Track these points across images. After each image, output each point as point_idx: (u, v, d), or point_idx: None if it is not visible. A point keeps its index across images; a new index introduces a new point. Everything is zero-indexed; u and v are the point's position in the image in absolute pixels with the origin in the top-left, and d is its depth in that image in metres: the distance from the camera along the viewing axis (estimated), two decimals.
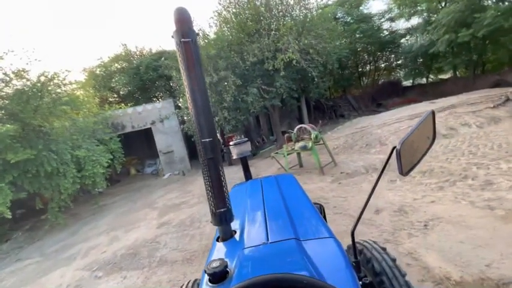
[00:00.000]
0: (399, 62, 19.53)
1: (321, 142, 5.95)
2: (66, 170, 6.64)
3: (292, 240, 1.09)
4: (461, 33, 10.52)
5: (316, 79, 9.33)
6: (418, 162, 0.97)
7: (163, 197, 7.51)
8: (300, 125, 6.36)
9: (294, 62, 8.27)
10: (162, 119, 10.96)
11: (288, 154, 6.37)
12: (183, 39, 1.09)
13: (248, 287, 0.60)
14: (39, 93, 6.13)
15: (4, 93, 5.83)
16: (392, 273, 1.27)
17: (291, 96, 10.11)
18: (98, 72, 13.93)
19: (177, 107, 11.31)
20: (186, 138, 11.89)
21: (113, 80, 13.98)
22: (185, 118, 10.95)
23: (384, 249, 1.44)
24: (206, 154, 1.16)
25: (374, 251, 1.41)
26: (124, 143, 11.28)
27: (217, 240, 1.29)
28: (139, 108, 10.99)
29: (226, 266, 0.89)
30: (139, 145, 15.13)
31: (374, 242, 1.53)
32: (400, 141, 0.85)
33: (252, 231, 1.30)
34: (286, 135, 6.57)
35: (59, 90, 6.64)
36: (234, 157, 2.45)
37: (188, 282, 1.50)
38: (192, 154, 12.76)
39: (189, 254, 3.53)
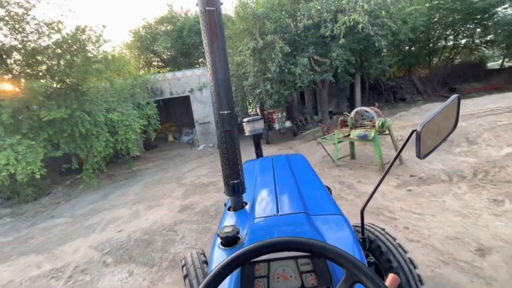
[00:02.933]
0: (488, 37, 15.65)
1: (386, 132, 4.63)
2: (99, 133, 6.42)
3: (302, 214, 1.13)
4: None
5: (384, 50, 7.54)
6: (436, 147, 0.94)
7: (193, 172, 7.03)
8: (360, 108, 5.03)
9: (360, 27, 6.62)
10: (200, 87, 10.31)
11: (338, 142, 5.18)
12: (207, 8, 1.06)
13: (261, 247, 0.59)
14: (73, 48, 5.73)
15: (38, 46, 5.53)
16: (397, 251, 1.35)
17: (346, 71, 8.51)
18: (142, 33, 13.62)
19: None
20: None
21: (156, 42, 13.60)
22: None
23: (383, 229, 1.54)
24: (223, 126, 1.16)
25: (376, 232, 1.48)
26: (163, 109, 11.15)
27: (229, 210, 1.33)
28: (178, 74, 10.44)
29: (238, 232, 0.92)
30: (178, 112, 15.04)
31: (373, 224, 1.61)
32: (422, 123, 0.82)
33: (263, 203, 1.32)
34: (340, 118, 5.32)
35: (93, 48, 6.19)
36: (246, 134, 2.35)
37: (192, 253, 1.50)
38: None
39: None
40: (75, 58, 5.87)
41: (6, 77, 5.39)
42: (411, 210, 3.24)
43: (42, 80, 5.61)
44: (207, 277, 0.54)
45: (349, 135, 4.97)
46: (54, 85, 5.96)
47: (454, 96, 0.95)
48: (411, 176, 4.17)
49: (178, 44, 13.36)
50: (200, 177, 6.26)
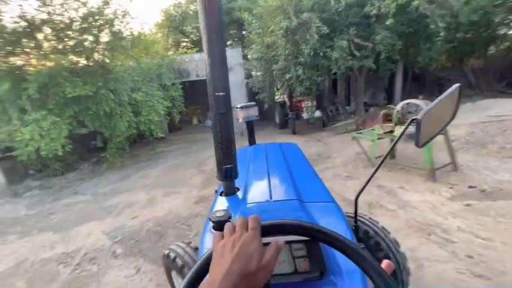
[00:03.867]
0: None
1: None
2: (123, 112, 6.31)
3: (295, 200, 1.13)
4: None
5: (441, 34, 6.47)
6: (435, 136, 0.95)
7: (212, 159, 6.74)
8: (409, 100, 4.28)
9: (414, 4, 5.64)
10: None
11: (378, 138, 4.51)
12: None
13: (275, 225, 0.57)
14: (99, 23, 5.52)
15: (65, 20, 5.38)
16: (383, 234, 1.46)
17: (389, 57, 7.51)
18: (172, 12, 13.34)
19: (245, 58, 9.96)
20: (250, 95, 10.73)
21: (186, 22, 13.27)
22: (252, 73, 9.62)
23: (370, 218, 1.59)
24: (218, 108, 1.12)
25: (364, 220, 1.56)
26: (189, 91, 10.93)
27: (221, 195, 1.30)
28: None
29: (230, 217, 0.87)
30: (204, 95, 14.81)
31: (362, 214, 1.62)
32: (423, 112, 0.81)
33: (255, 189, 1.32)
34: (383, 111, 4.61)
35: (119, 23, 5.94)
36: (240, 121, 2.29)
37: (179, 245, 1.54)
38: None
39: None
40: (101, 34, 5.68)
41: (34, 51, 5.33)
42: (473, 232, 2.60)
43: (71, 56, 5.50)
44: (198, 261, 0.52)
45: (392, 131, 4.27)
46: (82, 61, 5.85)
47: (456, 85, 0.95)
48: (470, 187, 3.44)
49: None
50: None
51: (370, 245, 1.45)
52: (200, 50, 13.07)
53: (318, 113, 8.44)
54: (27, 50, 5.41)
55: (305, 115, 8.44)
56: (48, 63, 5.09)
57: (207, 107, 13.58)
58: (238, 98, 10.10)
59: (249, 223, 0.51)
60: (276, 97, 10.15)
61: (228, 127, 1.16)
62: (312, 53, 6.48)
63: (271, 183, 1.34)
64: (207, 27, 1.04)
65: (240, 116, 2.28)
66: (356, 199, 1.20)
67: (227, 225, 0.53)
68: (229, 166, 1.19)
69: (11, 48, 5.22)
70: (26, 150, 4.85)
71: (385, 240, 1.43)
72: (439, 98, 0.88)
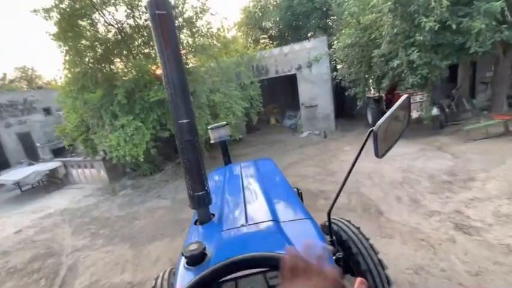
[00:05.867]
0: None
1: None
2: (201, 115, 6.03)
3: (271, 221, 1.13)
4: None
5: None
6: (392, 145, 1.00)
7: (294, 168, 5.78)
8: None
9: None
10: (310, 63, 8.66)
11: None
12: (157, 11, 1.02)
13: (223, 267, 0.58)
14: (179, 20, 5.29)
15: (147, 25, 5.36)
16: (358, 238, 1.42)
17: None
18: (251, 8, 12.99)
19: (330, 47, 8.51)
20: (335, 91, 9.22)
21: (265, 16, 12.69)
22: (338, 66, 8.11)
23: (349, 221, 1.58)
24: (183, 136, 1.13)
25: (341, 224, 1.53)
26: (266, 90, 10.30)
27: (196, 224, 1.29)
28: (285, 49, 9.12)
29: (204, 249, 0.89)
30: (282, 93, 13.99)
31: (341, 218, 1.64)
32: (377, 124, 0.87)
33: (231, 214, 1.31)
34: None
35: (198, 18, 5.61)
36: (212, 141, 2.39)
37: (165, 272, 1.45)
38: (340, 111, 10.08)
39: None
40: (181, 33, 5.47)
41: (124, 58, 5.52)
42: None
43: (156, 59, 5.48)
44: None
45: None
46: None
47: (405, 96, 1.01)
48: None
49: (287, 16, 11.99)
50: (305, 179, 4.91)
51: (349, 254, 1.39)
52: (280, 44, 12.28)
53: (435, 111, 6.26)
54: (120, 58, 5.67)
55: (415, 113, 6.42)
56: (134, 70, 5.15)
57: (286, 105, 12.72)
58: (322, 92, 8.77)
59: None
60: (371, 92, 8.30)
61: (195, 153, 1.14)
62: (435, 27, 4.61)
63: (246, 206, 1.35)
64: (163, 56, 1.04)
65: (212, 137, 2.33)
66: (329, 213, 1.21)
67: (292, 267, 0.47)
68: (201, 193, 1.17)
69: (112, 57, 5.58)
70: (116, 155, 5.01)
71: (361, 249, 1.37)
72: (390, 110, 0.94)
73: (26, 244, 4.49)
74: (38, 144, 11.61)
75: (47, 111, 12.64)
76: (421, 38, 4.84)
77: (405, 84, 5.55)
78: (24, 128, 11.72)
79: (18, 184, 7.39)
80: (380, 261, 1.35)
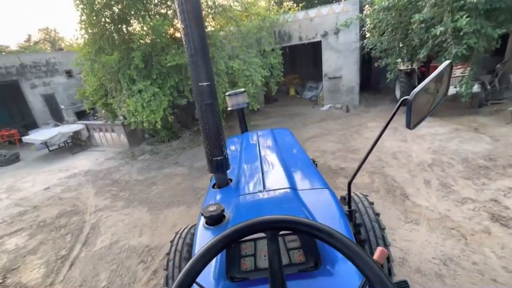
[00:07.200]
0: None
1: None
2: (219, 83, 5.79)
3: (289, 189, 1.12)
4: None
5: None
6: (427, 116, 0.92)
7: (313, 142, 5.57)
8: None
9: None
10: (337, 29, 7.92)
11: None
12: None
13: (246, 227, 0.57)
14: None
15: None
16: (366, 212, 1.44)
17: None
18: None
19: (362, 11, 7.66)
20: (362, 62, 8.52)
21: None
22: (367, 34, 7.31)
23: (366, 195, 1.61)
24: (203, 99, 1.09)
25: (355, 196, 1.56)
26: (287, 58, 9.69)
27: (213, 187, 1.30)
28: (311, 13, 8.33)
29: (223, 211, 0.89)
30: (304, 62, 13.23)
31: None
32: (413, 92, 0.80)
33: (248, 180, 1.30)
34: None
35: None
36: (229, 108, 2.28)
37: (184, 228, 1.48)
38: (365, 84, 9.41)
39: None
40: None
41: (140, 18, 5.23)
42: None
43: (175, 21, 5.17)
44: (191, 260, 0.51)
45: None
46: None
47: (446, 62, 0.92)
48: None
49: None
50: (324, 155, 4.71)
51: (361, 228, 1.38)
52: (305, 7, 11.27)
53: (476, 88, 5.61)
54: (137, 18, 5.38)
55: (453, 89, 5.79)
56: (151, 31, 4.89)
57: (306, 76, 12.07)
58: (348, 63, 8.12)
59: None
60: (401, 65, 7.57)
61: (214, 118, 1.11)
62: None
63: (264, 173, 1.33)
64: (184, 13, 0.98)
65: (229, 104, 2.25)
66: (349, 183, 1.26)
67: None
68: (219, 158, 1.16)
69: (128, 17, 5.30)
70: (134, 120, 5.00)
71: (367, 222, 1.38)
72: (429, 77, 0.86)
73: (54, 201, 4.78)
74: (62, 106, 11.98)
75: (69, 73, 12.81)
76: (473, 0, 4.14)
77: (446, 56, 4.93)
78: (48, 90, 12.03)
79: (45, 144, 7.76)
80: (384, 236, 1.35)
